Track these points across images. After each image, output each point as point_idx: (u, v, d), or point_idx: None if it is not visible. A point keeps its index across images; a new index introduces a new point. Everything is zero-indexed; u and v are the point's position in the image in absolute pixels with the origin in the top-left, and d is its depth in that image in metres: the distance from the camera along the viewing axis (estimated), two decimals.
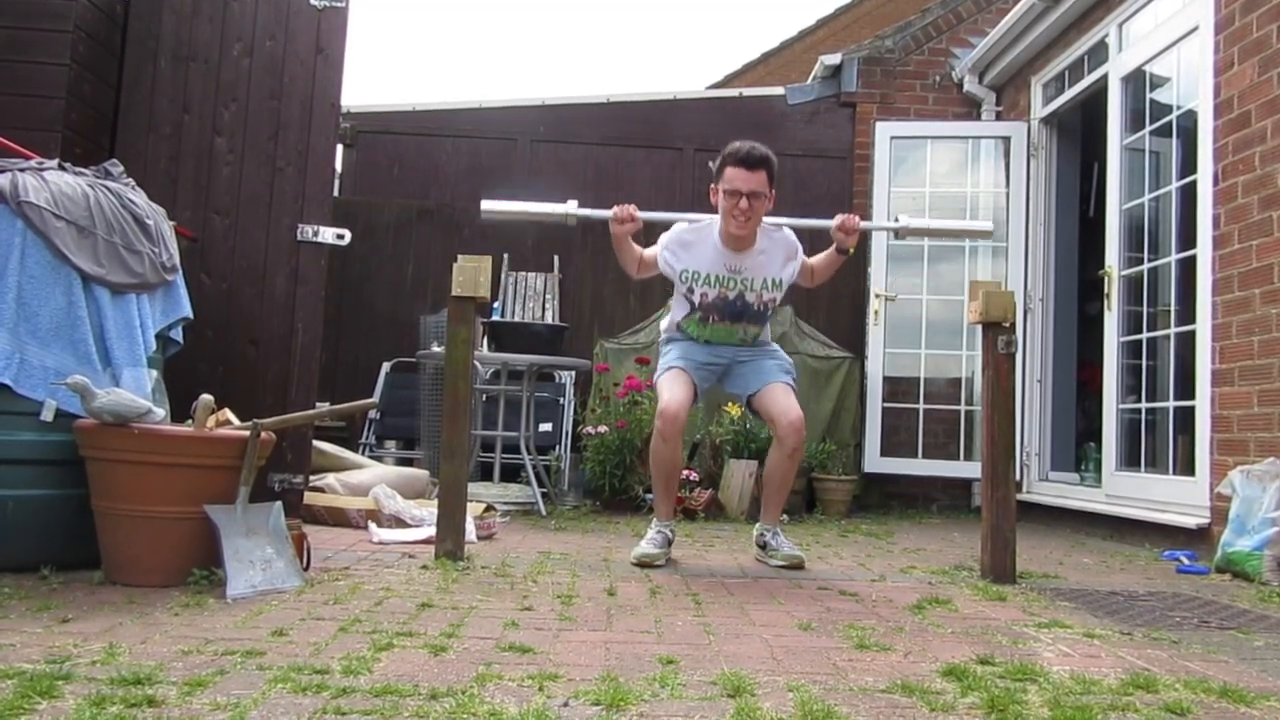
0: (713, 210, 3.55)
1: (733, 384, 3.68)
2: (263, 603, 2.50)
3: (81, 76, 3.69)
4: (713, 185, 3.49)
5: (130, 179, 3.27)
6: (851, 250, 3.59)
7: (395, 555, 3.43)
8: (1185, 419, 4.53)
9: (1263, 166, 4.06)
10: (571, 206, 3.52)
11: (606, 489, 5.42)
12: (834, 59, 7.08)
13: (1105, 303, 5.21)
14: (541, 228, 7.02)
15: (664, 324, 3.78)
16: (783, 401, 3.48)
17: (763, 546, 3.62)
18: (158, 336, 3.16)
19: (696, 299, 3.52)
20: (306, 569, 2.90)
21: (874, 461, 6.37)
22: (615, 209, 3.46)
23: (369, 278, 6.92)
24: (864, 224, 3.55)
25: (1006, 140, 6.45)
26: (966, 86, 6.86)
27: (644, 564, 3.40)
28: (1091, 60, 5.67)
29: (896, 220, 3.75)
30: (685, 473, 5.41)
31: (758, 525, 3.70)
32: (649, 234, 3.68)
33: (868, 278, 6.66)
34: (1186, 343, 4.57)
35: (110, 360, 2.93)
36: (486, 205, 3.60)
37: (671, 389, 3.47)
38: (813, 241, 3.71)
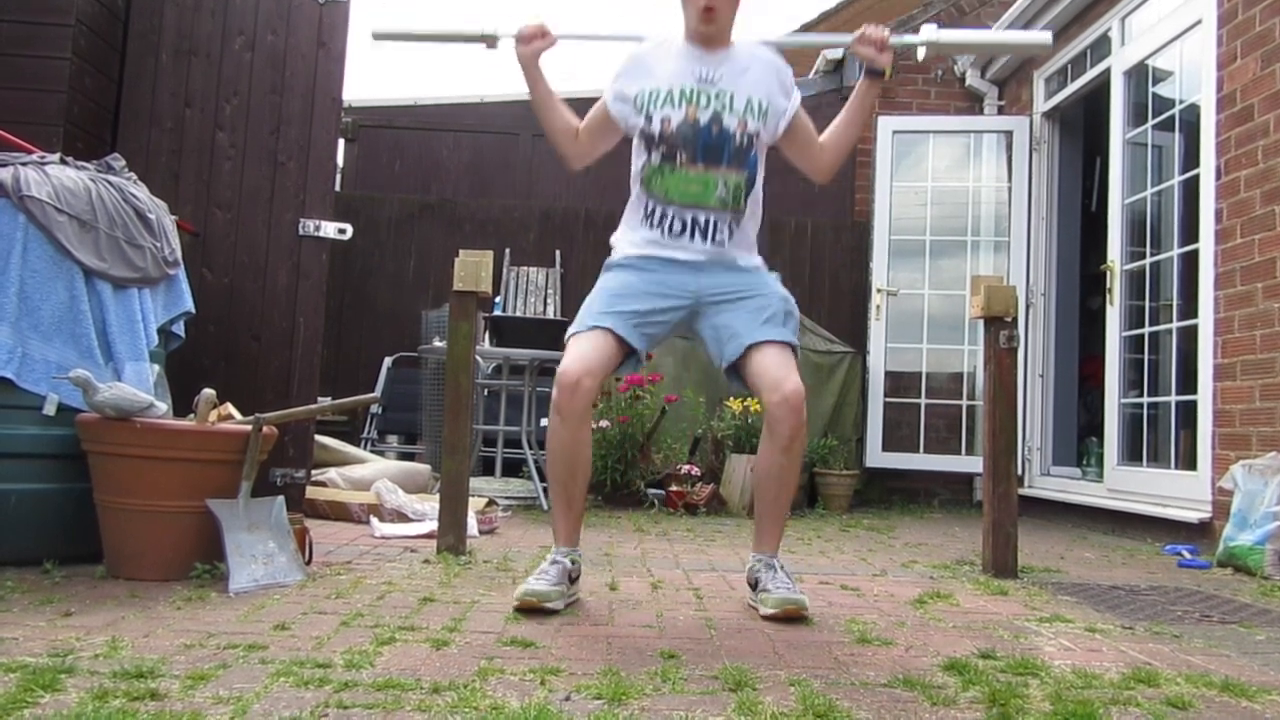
0: None
1: (707, 336, 2.62)
2: (265, 597, 2.50)
3: (83, 70, 3.69)
4: None
5: (132, 173, 3.27)
6: (888, 72, 2.63)
7: (397, 550, 3.44)
8: (1187, 413, 4.53)
9: (1265, 160, 4.05)
10: (489, 25, 2.65)
11: (608, 484, 5.42)
12: (836, 53, 7.06)
13: (1107, 297, 5.20)
14: (544, 224, 7.03)
15: (623, 227, 2.69)
16: (773, 369, 2.48)
17: (754, 585, 2.59)
18: (160, 331, 3.16)
19: (657, 127, 2.53)
20: (308, 563, 2.90)
21: (876, 456, 6.37)
22: (520, 25, 2.61)
23: (371, 273, 6.92)
24: (894, 38, 2.60)
25: (1009, 134, 6.44)
26: (969, 81, 6.85)
27: (528, 607, 2.38)
28: (1094, 54, 5.66)
29: (920, 32, 2.71)
30: (686, 468, 5.42)
31: (750, 557, 2.67)
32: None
33: (869, 272, 6.66)
34: (1188, 337, 4.57)
35: (112, 355, 2.94)
36: (377, 27, 2.78)
37: (579, 348, 2.49)
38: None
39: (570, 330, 2.57)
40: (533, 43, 2.59)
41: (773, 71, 2.63)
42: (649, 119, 2.54)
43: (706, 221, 2.55)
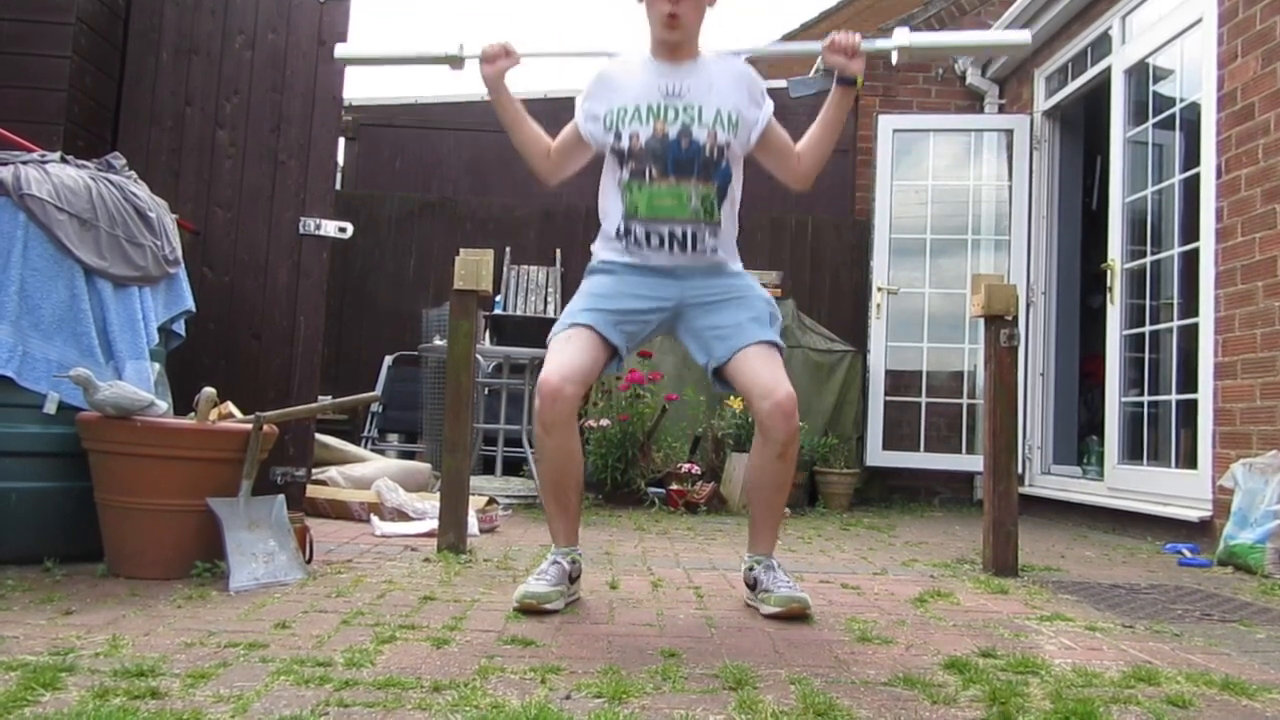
0: None
1: (690, 340, 2.62)
2: (265, 595, 2.50)
3: (83, 69, 3.69)
4: None
5: (132, 172, 3.27)
6: (860, 81, 2.56)
7: (397, 548, 3.44)
8: (1188, 412, 4.53)
9: (1266, 159, 4.05)
10: (453, 46, 2.61)
11: (609, 482, 5.42)
12: None
13: (1108, 296, 5.20)
14: (545, 223, 7.03)
15: (599, 245, 2.68)
16: (764, 374, 2.46)
17: (753, 586, 2.57)
18: (160, 329, 3.16)
19: (626, 143, 2.52)
20: (309, 562, 2.90)
21: (876, 455, 6.37)
22: (484, 45, 2.59)
23: (371, 271, 6.92)
24: (865, 44, 2.52)
25: (1009, 133, 6.43)
26: (969, 79, 6.85)
27: (527, 609, 2.38)
28: (1094, 52, 5.65)
29: (893, 36, 2.57)
30: (687, 467, 5.41)
31: (745, 557, 2.67)
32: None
33: (870, 271, 6.66)
34: (1189, 336, 4.57)
35: (113, 353, 2.94)
36: (340, 50, 2.83)
37: (560, 355, 2.51)
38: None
39: (551, 334, 2.60)
40: (497, 62, 2.57)
41: (743, 83, 2.60)
42: (618, 136, 2.53)
43: (683, 234, 2.53)
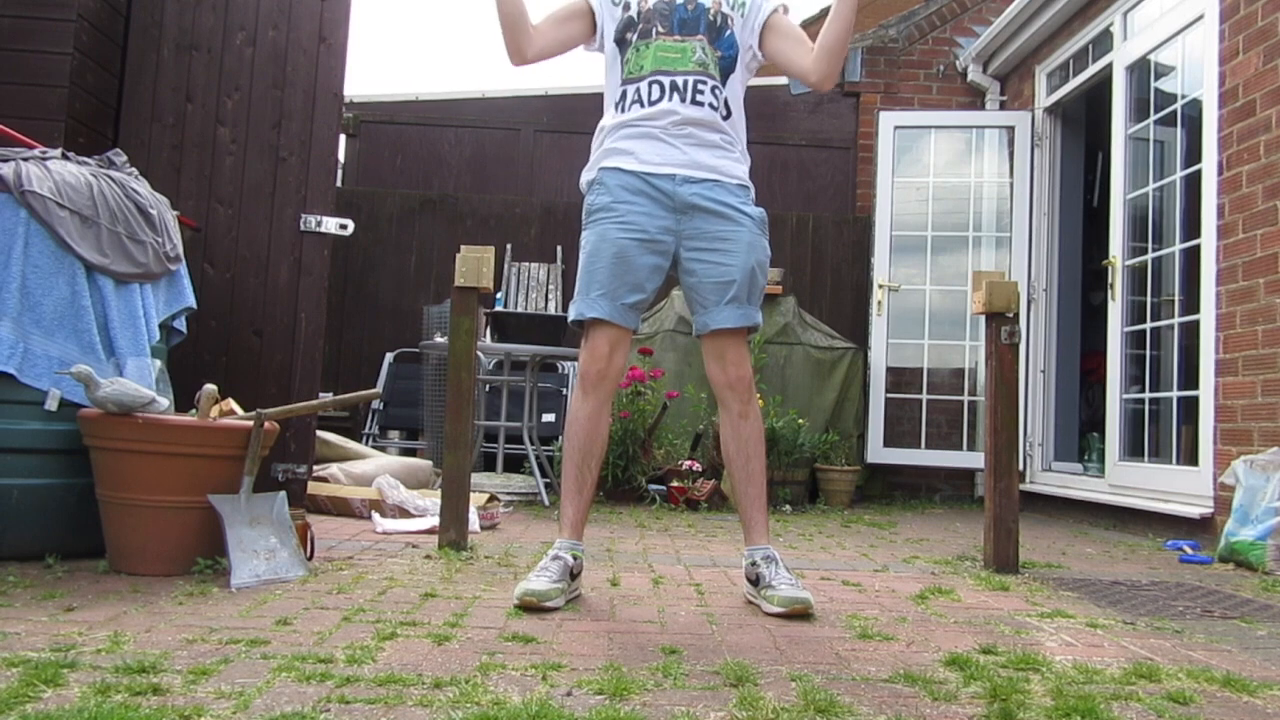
0: None
1: (685, 285, 2.70)
2: (267, 592, 2.50)
3: (85, 65, 3.69)
4: None
5: (133, 168, 3.27)
6: None
7: (399, 545, 3.44)
8: (1189, 409, 4.53)
9: (1267, 155, 4.05)
10: None
11: (609, 479, 5.43)
12: None
13: (1109, 293, 5.20)
14: (546, 219, 7.03)
15: (594, 142, 2.73)
16: (728, 359, 2.65)
17: (755, 581, 2.56)
18: (161, 326, 3.16)
19: (635, 7, 2.65)
20: (310, 558, 2.90)
21: (877, 452, 6.37)
22: None
23: (372, 268, 6.92)
24: None
25: (1010, 130, 6.43)
26: (970, 76, 6.84)
27: (528, 606, 2.38)
28: (1096, 49, 5.65)
29: None
30: (688, 464, 5.42)
31: (745, 551, 2.69)
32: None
33: (871, 268, 6.66)
34: (1190, 332, 4.57)
35: (114, 350, 2.94)
36: None
37: (594, 349, 2.63)
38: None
39: (574, 311, 2.65)
40: None
41: None
42: (626, 6, 2.66)
43: (685, 84, 2.61)
